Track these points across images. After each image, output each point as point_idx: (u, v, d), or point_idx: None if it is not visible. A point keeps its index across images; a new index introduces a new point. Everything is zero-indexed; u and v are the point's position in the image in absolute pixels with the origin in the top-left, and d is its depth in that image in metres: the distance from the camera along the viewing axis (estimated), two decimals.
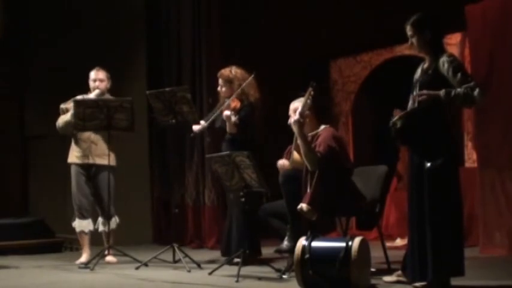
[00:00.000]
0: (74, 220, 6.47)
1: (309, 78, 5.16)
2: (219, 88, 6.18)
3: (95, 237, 6.56)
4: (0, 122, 9.31)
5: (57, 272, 6.02)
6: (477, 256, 5.97)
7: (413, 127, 4.34)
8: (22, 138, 9.50)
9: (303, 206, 4.91)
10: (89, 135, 6.37)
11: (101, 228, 6.47)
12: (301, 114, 5.04)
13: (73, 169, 6.49)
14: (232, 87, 6.06)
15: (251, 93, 6.09)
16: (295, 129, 5.10)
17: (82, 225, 6.41)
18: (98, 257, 6.10)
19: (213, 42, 7.83)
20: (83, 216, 6.40)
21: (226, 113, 5.94)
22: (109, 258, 6.38)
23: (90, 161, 6.40)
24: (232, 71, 6.13)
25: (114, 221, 6.48)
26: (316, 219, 4.95)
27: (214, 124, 6.17)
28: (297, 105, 5.27)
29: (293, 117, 5.13)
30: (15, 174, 9.42)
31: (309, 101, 5.10)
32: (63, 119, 6.41)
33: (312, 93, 5.08)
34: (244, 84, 5.99)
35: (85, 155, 6.37)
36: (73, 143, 6.50)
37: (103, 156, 6.35)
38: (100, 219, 6.49)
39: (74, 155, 6.46)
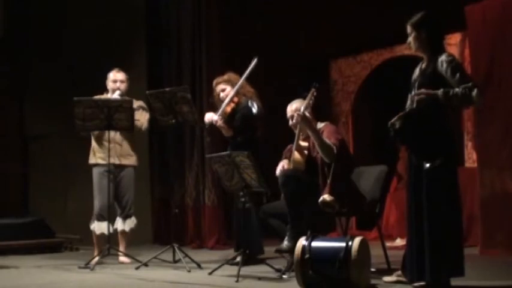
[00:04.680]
0: (93, 222, 6.46)
1: (311, 79, 5.18)
2: (221, 94, 6.16)
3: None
4: (0, 122, 9.31)
5: (57, 272, 6.02)
6: (477, 256, 5.97)
7: (412, 127, 4.34)
8: (22, 138, 9.49)
9: (326, 196, 4.91)
10: (113, 136, 6.36)
11: (120, 227, 6.47)
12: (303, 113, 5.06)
13: (96, 170, 6.48)
14: (232, 86, 6.10)
15: (247, 90, 6.13)
16: (303, 124, 5.10)
17: (101, 227, 6.39)
18: (98, 257, 6.12)
19: (213, 42, 7.84)
20: (102, 218, 6.39)
21: (214, 118, 6.02)
22: (122, 258, 6.38)
23: (117, 161, 6.41)
24: (225, 75, 6.23)
25: (132, 221, 6.50)
26: (338, 209, 4.96)
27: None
28: (296, 106, 5.28)
29: (296, 115, 5.14)
30: (15, 174, 9.41)
31: (311, 102, 5.13)
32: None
33: (315, 94, 5.11)
34: (245, 74, 6.03)
35: (110, 155, 6.34)
36: (95, 145, 6.49)
37: (127, 156, 6.47)
38: (118, 219, 6.49)
39: (98, 156, 6.45)
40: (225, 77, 6.21)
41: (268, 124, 6.42)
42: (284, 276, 5.11)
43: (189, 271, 5.60)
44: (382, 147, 7.89)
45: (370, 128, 8.71)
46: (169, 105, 6.04)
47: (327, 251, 4.43)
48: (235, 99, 6.09)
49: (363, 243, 4.42)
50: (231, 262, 5.62)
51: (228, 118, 6.09)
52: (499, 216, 6.08)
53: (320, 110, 5.41)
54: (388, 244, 6.15)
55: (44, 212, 8.42)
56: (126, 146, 6.50)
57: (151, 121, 6.55)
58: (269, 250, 5.80)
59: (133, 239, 6.83)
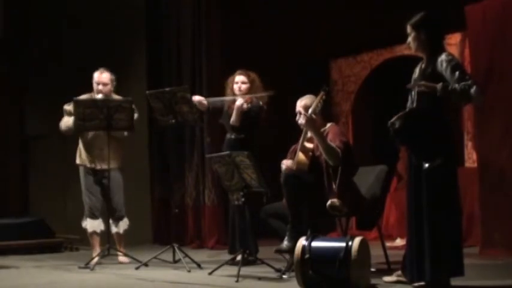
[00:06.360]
0: (85, 220, 6.44)
1: (322, 82, 5.19)
2: (236, 85, 6.11)
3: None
4: (0, 122, 9.31)
5: (57, 272, 6.02)
6: (477, 256, 5.97)
7: (412, 127, 4.34)
8: (22, 138, 9.50)
9: (335, 201, 4.92)
10: (102, 138, 6.29)
11: (113, 230, 6.44)
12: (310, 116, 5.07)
13: (82, 170, 6.45)
14: (252, 87, 6.09)
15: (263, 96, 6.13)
16: (308, 127, 5.10)
17: (94, 225, 6.39)
18: (98, 257, 6.12)
19: (213, 42, 7.83)
20: (94, 216, 6.38)
21: (240, 101, 5.94)
22: (121, 258, 6.37)
23: (106, 166, 6.29)
24: (252, 72, 6.16)
25: (125, 222, 6.47)
26: (345, 213, 4.97)
27: (216, 109, 6.21)
28: (305, 102, 5.27)
29: (303, 116, 5.13)
30: (15, 174, 9.41)
31: (319, 105, 5.12)
32: (66, 123, 6.35)
33: (324, 97, 5.11)
34: (263, 94, 6.04)
35: (101, 160, 6.32)
36: (84, 146, 6.43)
37: (116, 159, 6.39)
38: (111, 221, 6.44)
39: (87, 159, 6.40)
40: (252, 74, 6.14)
41: (268, 124, 6.43)
42: (284, 276, 5.11)
43: (189, 271, 5.60)
44: (382, 147, 7.89)
45: (370, 128, 8.71)
46: (169, 105, 6.04)
47: (327, 251, 4.43)
48: (248, 99, 6.08)
49: (363, 243, 4.42)
50: (230, 262, 5.62)
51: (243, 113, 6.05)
52: (499, 216, 6.08)
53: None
54: (388, 244, 6.15)
55: (44, 212, 8.42)
56: (116, 149, 6.42)
57: (151, 121, 6.54)
58: (269, 250, 5.79)
59: (133, 239, 6.83)
